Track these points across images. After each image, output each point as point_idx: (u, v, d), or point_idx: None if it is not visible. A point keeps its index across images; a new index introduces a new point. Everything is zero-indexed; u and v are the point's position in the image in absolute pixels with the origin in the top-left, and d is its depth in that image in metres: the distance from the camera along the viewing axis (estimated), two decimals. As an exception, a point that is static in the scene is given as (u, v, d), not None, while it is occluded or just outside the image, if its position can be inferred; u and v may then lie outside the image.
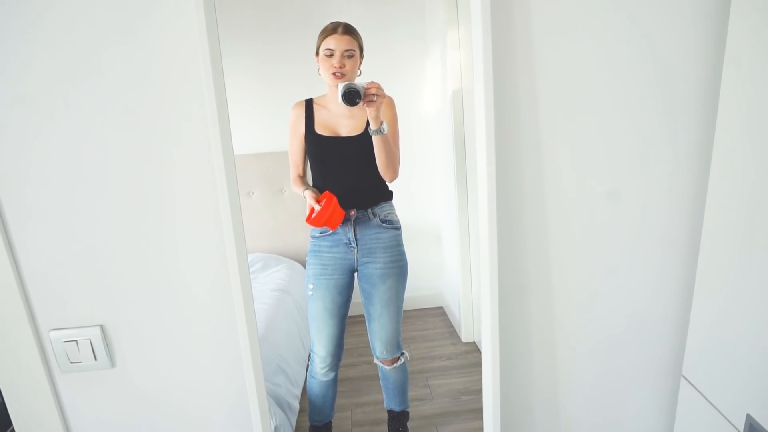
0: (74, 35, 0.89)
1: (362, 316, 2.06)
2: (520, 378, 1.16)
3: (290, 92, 2.62)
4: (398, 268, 1.76)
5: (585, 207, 1.07)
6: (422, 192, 3.21)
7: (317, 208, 1.61)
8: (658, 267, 1.12)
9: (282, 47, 2.96)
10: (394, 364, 1.85)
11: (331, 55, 1.61)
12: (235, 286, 0.97)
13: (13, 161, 0.92)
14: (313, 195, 1.66)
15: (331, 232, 1.71)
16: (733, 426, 0.93)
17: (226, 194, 0.93)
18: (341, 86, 1.46)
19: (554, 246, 1.09)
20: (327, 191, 1.65)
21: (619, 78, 1.01)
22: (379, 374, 1.95)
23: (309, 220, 1.62)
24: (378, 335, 1.81)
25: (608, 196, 1.07)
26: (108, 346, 1.02)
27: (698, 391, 1.04)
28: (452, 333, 3.01)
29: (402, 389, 1.94)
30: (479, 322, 2.76)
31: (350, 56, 1.62)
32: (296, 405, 2.10)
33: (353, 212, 1.70)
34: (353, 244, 1.71)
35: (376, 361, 1.87)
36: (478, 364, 2.61)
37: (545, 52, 0.99)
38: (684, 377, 1.08)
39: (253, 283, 2.71)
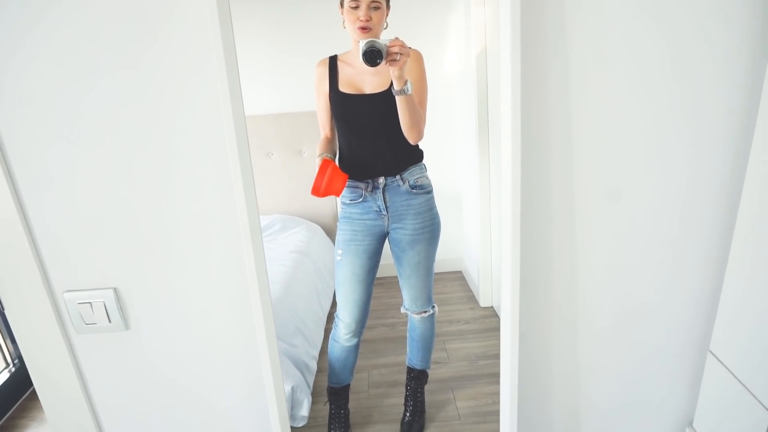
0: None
1: (382, 278, 2.05)
2: (539, 345, 1.14)
3: (309, 51, 2.54)
4: (429, 232, 1.73)
5: (614, 175, 1.02)
6: (443, 155, 3.14)
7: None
8: (689, 237, 1.06)
9: (300, 2, 2.86)
10: (423, 315, 1.86)
11: (356, 7, 1.52)
12: (246, 249, 0.95)
13: (26, 124, 0.90)
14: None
15: (361, 199, 1.67)
16: (762, 404, 0.90)
17: (237, 156, 0.90)
18: (362, 44, 1.38)
19: (579, 214, 1.04)
20: (325, 158, 1.58)
21: (649, 79, 0.96)
22: (408, 325, 1.97)
23: (311, 191, 1.55)
24: (407, 291, 1.82)
25: (642, 167, 1.01)
26: (122, 308, 1.02)
27: (725, 367, 1.00)
28: (470, 297, 3.00)
29: (426, 344, 1.95)
30: (498, 287, 2.74)
31: (377, 8, 1.52)
32: (314, 366, 2.13)
33: (381, 179, 1.65)
34: (384, 212, 1.68)
35: (404, 310, 1.88)
36: (496, 329, 2.60)
37: (577, 55, 0.93)
38: (711, 352, 1.04)
39: (271, 244, 2.72)
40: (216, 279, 1.02)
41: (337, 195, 1.57)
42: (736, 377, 0.97)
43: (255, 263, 0.94)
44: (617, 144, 1.00)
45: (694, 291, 1.10)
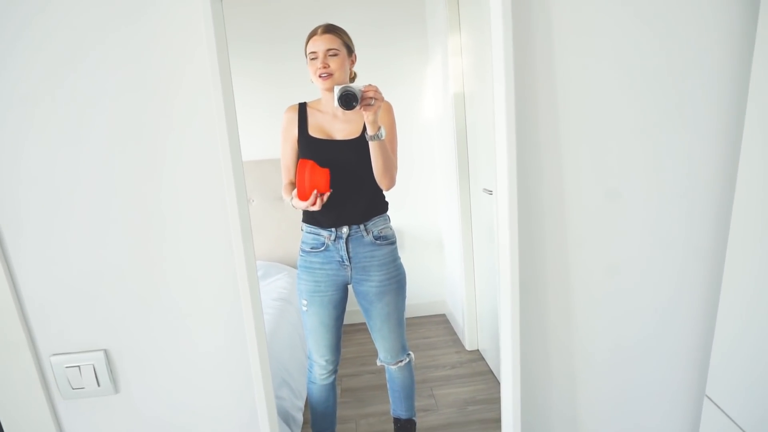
0: (75, 47, 0.85)
1: (363, 323, 2.04)
2: (537, 392, 1.13)
3: (288, 98, 2.58)
4: (396, 283, 1.72)
5: (606, 215, 1.05)
6: (424, 199, 3.17)
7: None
8: (680, 280, 1.09)
9: (281, 52, 2.92)
10: (399, 365, 1.84)
11: (315, 58, 1.58)
12: (246, 310, 0.93)
13: (11, 182, 0.89)
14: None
15: (323, 247, 1.66)
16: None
17: (237, 219, 0.89)
18: (337, 89, 1.40)
19: (573, 257, 1.06)
20: (301, 158, 1.56)
21: (639, 79, 0.99)
22: (386, 376, 1.94)
23: (296, 195, 1.53)
24: (381, 343, 1.80)
25: (629, 204, 1.05)
26: (111, 371, 0.98)
27: (723, 412, 1.01)
28: (456, 341, 2.97)
29: (408, 393, 1.92)
30: (483, 329, 2.73)
31: (334, 55, 1.58)
32: (300, 417, 2.06)
33: (345, 229, 1.65)
34: (346, 262, 1.67)
35: (380, 363, 1.86)
36: (483, 373, 2.58)
37: (565, 55, 0.96)
38: (708, 397, 1.05)
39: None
40: (211, 341, 1.00)
41: (325, 191, 1.53)
42: (735, 423, 0.98)
43: (254, 326, 0.92)
44: (611, 182, 1.03)
45: (689, 330, 1.12)
